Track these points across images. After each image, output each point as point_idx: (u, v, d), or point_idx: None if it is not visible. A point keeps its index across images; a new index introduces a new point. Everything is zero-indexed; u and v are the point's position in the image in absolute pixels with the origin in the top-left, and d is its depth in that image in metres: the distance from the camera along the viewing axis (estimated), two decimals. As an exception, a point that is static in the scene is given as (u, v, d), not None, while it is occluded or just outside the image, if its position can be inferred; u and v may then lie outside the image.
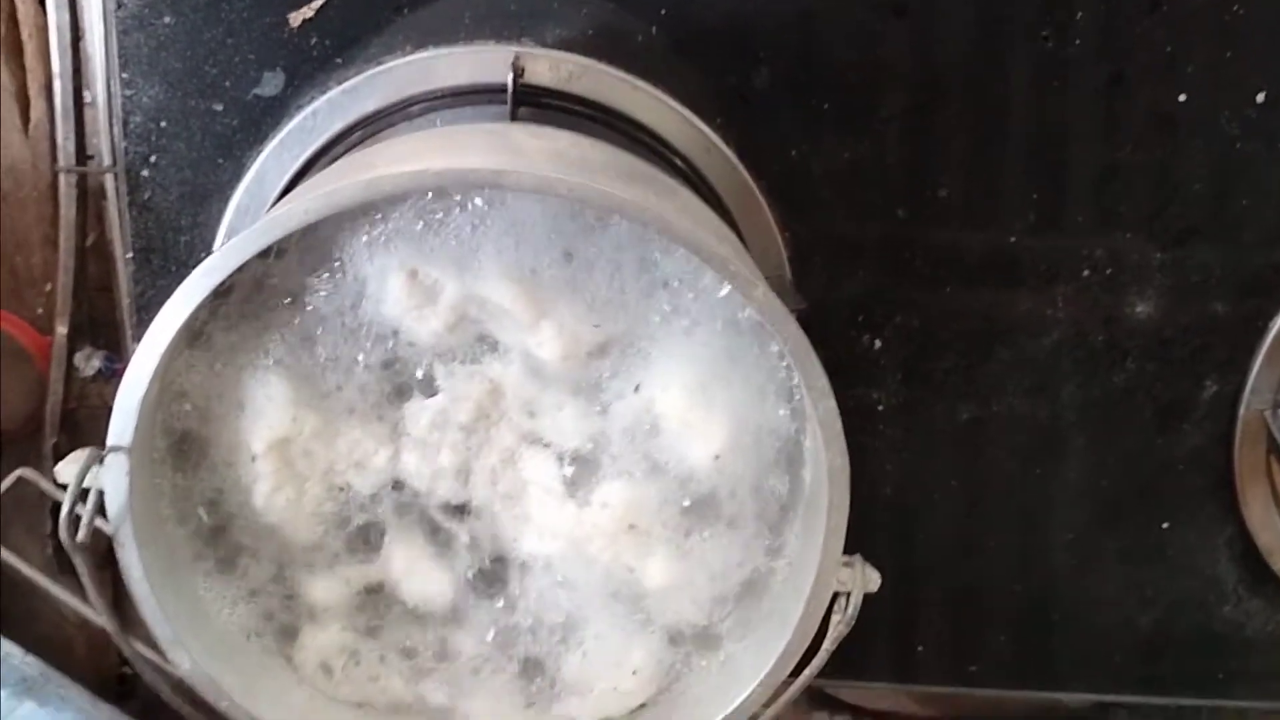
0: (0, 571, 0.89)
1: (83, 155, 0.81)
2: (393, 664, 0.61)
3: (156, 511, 0.56)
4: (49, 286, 0.88)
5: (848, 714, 0.99)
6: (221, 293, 0.54)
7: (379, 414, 0.58)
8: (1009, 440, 0.79)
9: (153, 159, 0.73)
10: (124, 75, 0.71)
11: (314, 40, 0.70)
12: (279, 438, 0.56)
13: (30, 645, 0.90)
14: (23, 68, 0.84)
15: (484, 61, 0.69)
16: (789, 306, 0.52)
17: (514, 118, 0.66)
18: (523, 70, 0.68)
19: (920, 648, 0.84)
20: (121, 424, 0.51)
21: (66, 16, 0.76)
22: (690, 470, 0.58)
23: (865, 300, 0.76)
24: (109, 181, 0.75)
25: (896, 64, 0.72)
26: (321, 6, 0.70)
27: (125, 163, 0.73)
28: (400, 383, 0.58)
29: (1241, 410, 0.78)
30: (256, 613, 0.60)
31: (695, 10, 0.71)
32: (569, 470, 0.58)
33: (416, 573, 0.60)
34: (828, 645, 0.55)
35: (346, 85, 0.70)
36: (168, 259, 0.74)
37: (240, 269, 0.50)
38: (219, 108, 0.71)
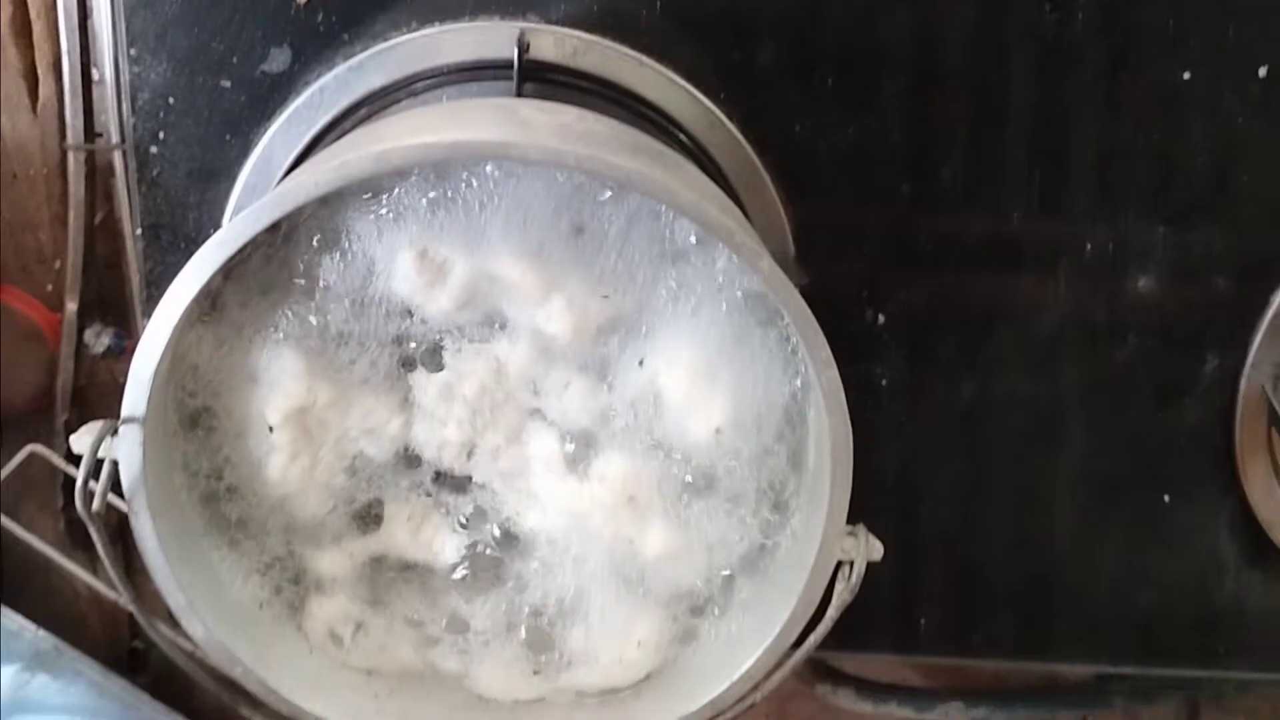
0: (12, 547, 0.90)
1: (91, 133, 0.82)
2: (401, 633, 0.62)
3: (170, 482, 0.56)
4: (58, 264, 0.89)
5: (851, 686, 1.00)
6: (233, 266, 0.55)
7: (390, 385, 0.58)
8: (1011, 416, 0.80)
9: (161, 136, 0.73)
10: (131, 53, 0.71)
11: (320, 17, 0.71)
12: (295, 408, 0.56)
13: (43, 620, 0.91)
14: (31, 46, 0.85)
15: (489, 37, 0.70)
16: (793, 281, 0.52)
17: (519, 93, 0.67)
18: (528, 46, 0.68)
19: (922, 620, 0.84)
20: (135, 396, 0.51)
21: (74, -5, 0.77)
22: (691, 444, 0.58)
23: (868, 277, 0.77)
24: (117, 159, 0.76)
25: (900, 41, 0.72)
26: (327, -17, 0.71)
27: (133, 140, 0.73)
28: (409, 358, 0.58)
29: (1243, 385, 0.79)
30: (266, 584, 0.60)
31: (700, -15, 0.71)
32: (570, 447, 0.59)
33: (420, 548, 0.61)
34: (832, 613, 0.56)
35: (353, 62, 0.70)
36: (176, 236, 0.74)
37: (252, 243, 0.51)
38: (226, 84, 0.72)
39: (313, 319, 0.57)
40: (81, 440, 0.52)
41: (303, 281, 0.57)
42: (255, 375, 0.57)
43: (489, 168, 0.55)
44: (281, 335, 0.57)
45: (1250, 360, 0.78)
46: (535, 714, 0.62)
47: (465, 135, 0.50)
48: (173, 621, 0.56)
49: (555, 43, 0.70)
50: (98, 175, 0.84)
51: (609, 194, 0.55)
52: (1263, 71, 0.73)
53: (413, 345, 0.58)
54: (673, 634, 0.61)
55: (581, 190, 0.55)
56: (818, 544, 0.54)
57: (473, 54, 0.70)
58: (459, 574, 0.61)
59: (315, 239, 0.56)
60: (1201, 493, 0.81)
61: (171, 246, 0.75)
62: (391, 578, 0.62)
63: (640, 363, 0.58)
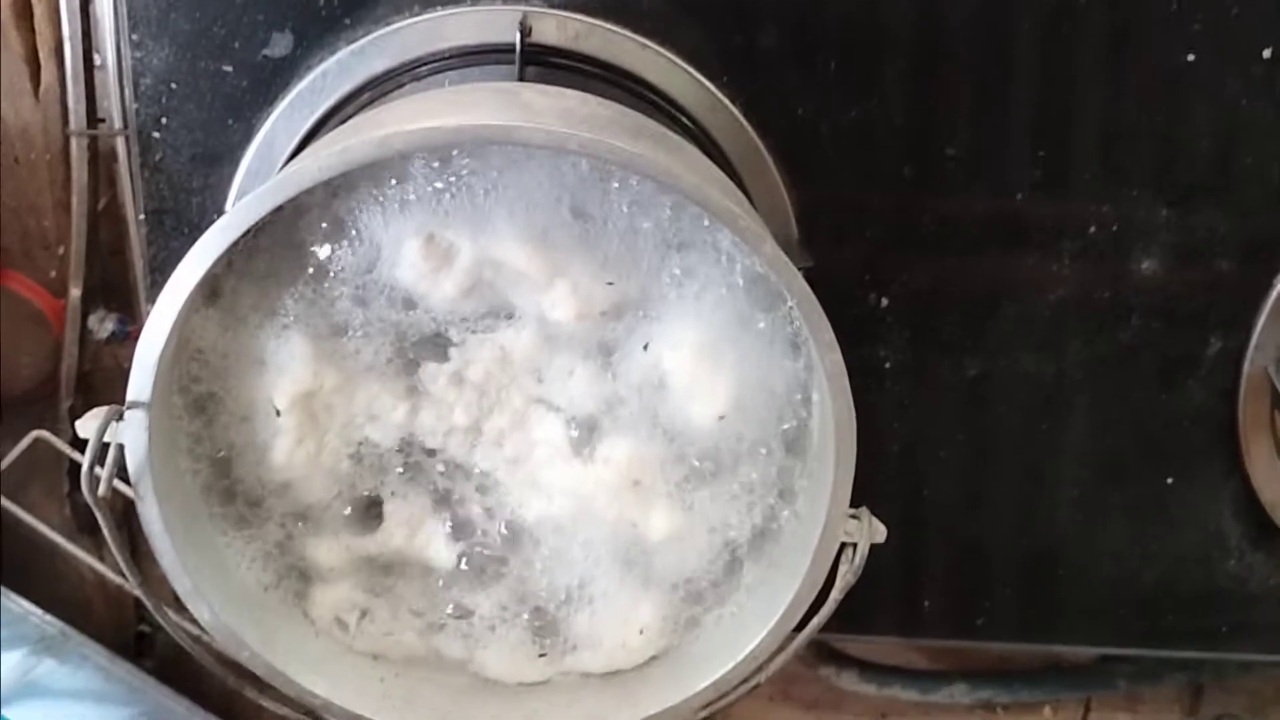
0: (17, 533, 0.90)
1: (94, 118, 0.82)
2: (406, 620, 0.62)
3: (175, 466, 0.57)
4: (62, 250, 0.89)
5: (854, 668, 1.00)
6: (238, 251, 0.55)
7: (395, 372, 0.59)
8: (1015, 397, 0.80)
9: (163, 121, 0.73)
10: (133, 37, 0.71)
11: (322, 1, 0.71)
12: (302, 392, 0.56)
13: (49, 605, 0.92)
14: (32, 31, 0.85)
15: (491, 21, 0.69)
16: (796, 264, 0.52)
17: (521, 77, 0.67)
18: (530, 29, 0.68)
19: (926, 602, 0.85)
20: (140, 380, 0.52)
21: (75, -21, 0.77)
22: (695, 429, 0.58)
23: (872, 259, 0.77)
24: (120, 144, 0.76)
25: (903, 22, 0.72)
26: (330, -33, 0.70)
27: (136, 125, 0.73)
28: (415, 345, 0.59)
29: (1246, 366, 0.79)
30: (271, 569, 0.61)
31: (701, -32, 0.71)
32: (574, 433, 0.59)
33: (423, 538, 0.61)
34: (835, 595, 0.56)
35: (355, 46, 0.70)
36: (180, 221, 0.74)
37: (257, 228, 0.51)
38: (229, 69, 0.72)
39: (319, 305, 0.57)
40: (87, 425, 0.52)
41: (309, 268, 0.57)
42: (263, 359, 0.57)
43: (494, 155, 0.55)
44: (291, 319, 0.57)
45: (1253, 342, 0.78)
46: (540, 696, 0.62)
47: (468, 119, 0.50)
48: (179, 606, 0.56)
49: (557, 26, 0.70)
50: (101, 160, 0.84)
51: (616, 183, 0.55)
52: (1266, 53, 0.73)
53: (417, 332, 0.58)
54: (677, 618, 0.61)
55: (586, 176, 0.55)
56: (821, 526, 0.54)
57: (475, 38, 0.70)
58: (461, 566, 0.61)
59: (322, 225, 0.56)
60: (1204, 474, 0.82)
61: (175, 232, 0.75)
62: (393, 574, 0.62)
63: (645, 347, 0.58)
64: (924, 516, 0.83)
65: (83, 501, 0.52)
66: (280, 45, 0.71)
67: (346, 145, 0.49)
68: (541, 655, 0.62)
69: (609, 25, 0.70)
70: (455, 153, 0.55)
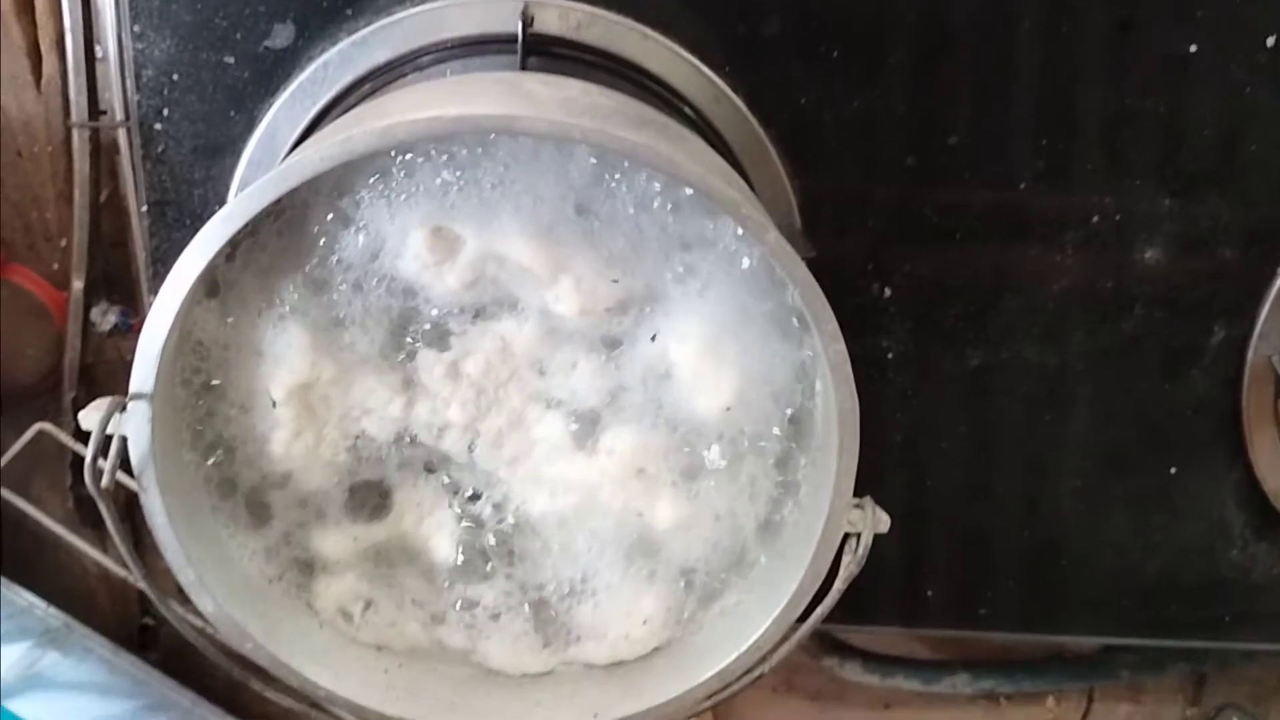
0: (21, 525, 0.91)
1: (95, 110, 0.82)
2: (410, 611, 0.62)
3: (178, 458, 0.57)
4: (64, 242, 0.89)
5: (858, 658, 1.00)
6: (240, 242, 0.55)
7: (393, 365, 0.59)
8: (1018, 387, 0.80)
9: (165, 112, 0.73)
10: (135, 29, 0.71)
11: (324, -8, 0.71)
12: (299, 383, 0.56)
13: (53, 598, 0.92)
14: (34, 23, 0.85)
15: (493, 11, 0.69)
16: (799, 254, 0.52)
17: (524, 67, 0.67)
18: (532, 19, 0.68)
19: (929, 592, 0.85)
20: (143, 371, 0.52)
21: (76, -29, 0.77)
22: (700, 419, 0.58)
23: (875, 249, 0.77)
24: (122, 136, 0.75)
25: (905, 10, 0.72)
26: (330, -42, 0.70)
27: (138, 117, 0.73)
28: (414, 337, 0.59)
29: (1249, 355, 0.79)
30: (275, 561, 0.61)
31: (704, -42, 0.71)
32: (574, 427, 0.59)
33: (428, 530, 0.61)
34: (839, 585, 0.56)
35: (356, 37, 0.70)
36: (182, 212, 0.74)
37: (258, 219, 0.51)
38: (230, 60, 0.72)
39: (318, 296, 0.57)
40: (90, 417, 0.52)
41: (310, 259, 0.57)
42: (260, 350, 0.57)
43: (499, 150, 0.55)
44: (288, 309, 0.57)
45: (1257, 331, 0.78)
46: (543, 687, 0.62)
47: (471, 109, 0.50)
48: (182, 598, 0.56)
49: (559, 16, 0.70)
50: (102, 152, 0.84)
51: (619, 176, 0.55)
52: (1270, 41, 0.73)
53: (417, 325, 0.58)
54: (680, 609, 0.61)
55: (592, 173, 0.55)
56: (825, 516, 0.54)
57: (477, 28, 0.69)
58: (462, 560, 0.61)
59: (326, 215, 0.56)
60: (1208, 464, 0.82)
61: (177, 223, 0.75)
62: (396, 565, 0.62)
63: (653, 338, 0.58)
64: (926, 507, 0.83)
65: (86, 494, 0.52)
66: (282, 36, 0.71)
67: (349, 135, 0.49)
68: (546, 645, 0.62)
69: (611, 15, 0.70)
70: (462, 149, 0.55)
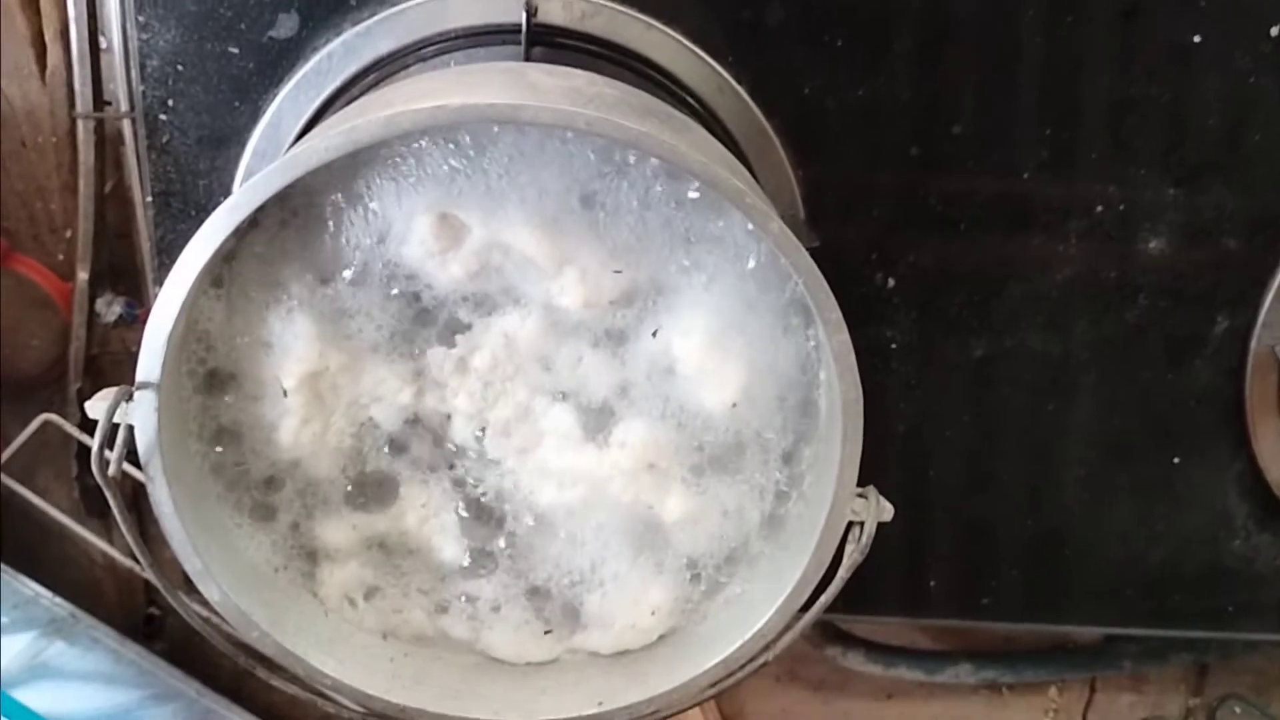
0: (27, 515, 0.91)
1: (100, 101, 0.82)
2: (415, 599, 0.62)
3: (184, 448, 0.57)
4: (69, 233, 0.89)
5: (860, 648, 1.00)
6: (243, 233, 0.55)
7: (401, 355, 0.59)
8: (1021, 377, 0.80)
9: (170, 103, 0.73)
10: (139, 19, 0.71)
11: (327, -18, 0.71)
12: (309, 372, 0.56)
13: (59, 588, 0.92)
14: (38, 14, 0.85)
15: (496, 2, 0.69)
16: (803, 243, 0.52)
17: (528, 57, 0.67)
18: (535, 10, 0.68)
19: (932, 582, 0.85)
20: (149, 360, 0.52)
21: (81, -38, 0.77)
22: (706, 413, 0.58)
23: (878, 239, 0.77)
24: (127, 127, 0.76)
25: (908, 0, 0.72)
26: (334, -52, 0.70)
27: (143, 107, 0.73)
28: (420, 328, 0.59)
29: (1253, 345, 0.79)
30: (281, 550, 0.61)
31: (707, -53, 0.71)
32: (584, 420, 0.59)
33: (428, 533, 0.61)
34: (842, 574, 0.56)
35: (360, 27, 0.70)
36: (187, 203, 0.75)
37: (263, 209, 0.51)
38: (235, 50, 0.72)
39: (324, 287, 0.57)
40: (96, 406, 0.52)
41: (314, 250, 0.57)
42: (268, 340, 0.57)
43: (505, 142, 0.55)
44: (295, 303, 0.57)
45: (1261, 321, 0.78)
46: (548, 675, 0.62)
47: (475, 99, 0.50)
48: (189, 587, 0.57)
49: (563, 6, 0.70)
50: (107, 143, 0.84)
51: (624, 168, 0.55)
52: (1275, 31, 0.73)
53: (425, 316, 0.58)
54: (687, 599, 0.62)
55: (598, 165, 0.55)
56: (829, 505, 0.54)
57: (480, 18, 0.70)
58: (468, 554, 0.62)
59: (328, 205, 0.56)
60: (1211, 454, 0.82)
61: (182, 214, 0.75)
62: (400, 555, 0.62)
63: (654, 333, 0.58)
64: (930, 497, 0.83)
65: (92, 484, 0.52)
66: (286, 26, 0.71)
67: (354, 125, 0.49)
68: (547, 633, 0.62)
69: (614, 5, 0.70)
70: (467, 138, 0.55)
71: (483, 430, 0.60)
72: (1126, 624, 0.88)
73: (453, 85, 0.56)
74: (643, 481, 0.59)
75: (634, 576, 0.61)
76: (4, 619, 0.88)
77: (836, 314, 0.52)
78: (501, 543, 0.61)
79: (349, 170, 0.56)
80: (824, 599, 0.56)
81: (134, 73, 0.73)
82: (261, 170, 0.50)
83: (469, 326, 0.58)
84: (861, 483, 0.55)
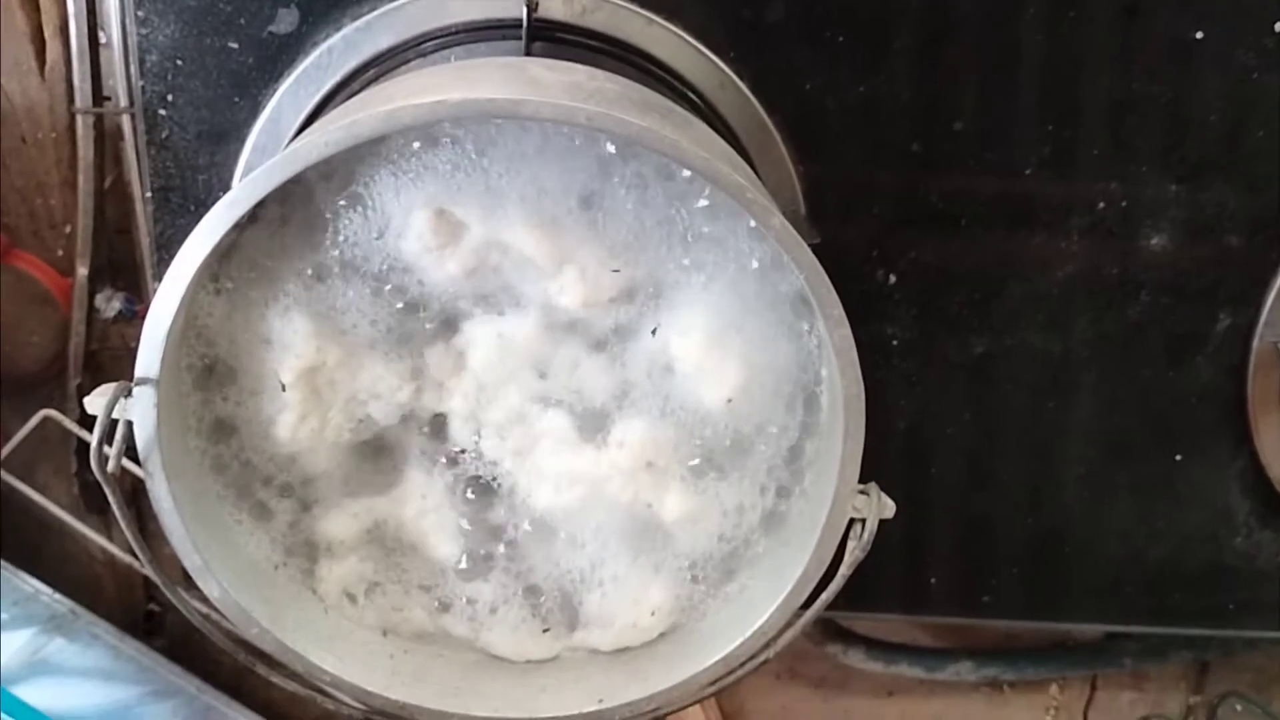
0: (27, 512, 0.91)
1: (99, 96, 0.82)
2: (415, 596, 0.62)
3: (184, 444, 0.57)
4: (69, 228, 0.89)
5: (861, 646, 1.00)
6: (243, 228, 0.55)
7: (398, 353, 0.59)
8: (1022, 374, 0.80)
9: (169, 98, 0.73)
10: (139, 14, 0.71)
11: (328, -23, 0.71)
12: (306, 367, 0.56)
13: (58, 584, 0.92)
14: (38, 10, 0.85)
15: (497, -4, 0.69)
16: (804, 240, 0.52)
17: (528, 52, 0.66)
18: (536, 5, 0.67)
19: (933, 580, 0.85)
20: (148, 356, 0.52)
21: (80, -43, 0.77)
22: (705, 411, 0.58)
23: (879, 236, 0.76)
24: (126, 122, 0.76)
25: (910, -3, 0.72)
26: (334, -57, 0.70)
27: (142, 103, 0.73)
28: (416, 326, 0.58)
29: (1255, 342, 0.79)
30: (280, 545, 0.61)
31: (708, -57, 0.71)
32: (579, 423, 0.59)
33: (424, 528, 0.61)
34: (844, 571, 0.56)
35: (360, 22, 0.70)
36: (187, 198, 0.74)
37: (261, 204, 0.51)
38: (234, 45, 0.72)
39: (321, 283, 0.57)
40: (95, 402, 0.52)
41: (312, 245, 0.57)
42: (267, 336, 0.57)
43: (506, 138, 0.55)
44: (291, 300, 0.57)
45: (1263, 318, 0.78)
46: (548, 672, 0.62)
47: (475, 94, 0.50)
48: (188, 583, 0.57)
49: (564, 1, 0.69)
50: (107, 138, 0.84)
51: (624, 167, 0.55)
52: (1278, 26, 0.73)
53: (422, 313, 0.58)
54: (687, 598, 0.61)
55: (598, 164, 0.55)
56: (830, 502, 0.54)
57: (481, 13, 0.69)
58: (465, 559, 0.61)
59: (329, 201, 0.56)
60: (1212, 451, 0.82)
61: (181, 209, 0.75)
62: (399, 553, 0.62)
63: (653, 332, 0.58)
64: (930, 494, 0.83)
65: (91, 481, 0.52)
66: (286, 21, 0.71)
67: (354, 119, 0.49)
68: (545, 631, 0.62)
69: (616, 0, 0.70)
70: (468, 134, 0.55)
71: (479, 430, 0.60)
72: (1127, 621, 0.88)
73: (453, 80, 0.56)
74: (642, 481, 0.59)
75: (633, 577, 0.61)
76: (4, 615, 0.88)
77: (838, 309, 0.52)
78: (500, 547, 0.61)
79: (349, 165, 0.55)
80: (825, 596, 0.56)
81: (133, 68, 0.72)
82: (261, 165, 0.50)
83: (467, 326, 0.58)
84: (862, 480, 0.54)
